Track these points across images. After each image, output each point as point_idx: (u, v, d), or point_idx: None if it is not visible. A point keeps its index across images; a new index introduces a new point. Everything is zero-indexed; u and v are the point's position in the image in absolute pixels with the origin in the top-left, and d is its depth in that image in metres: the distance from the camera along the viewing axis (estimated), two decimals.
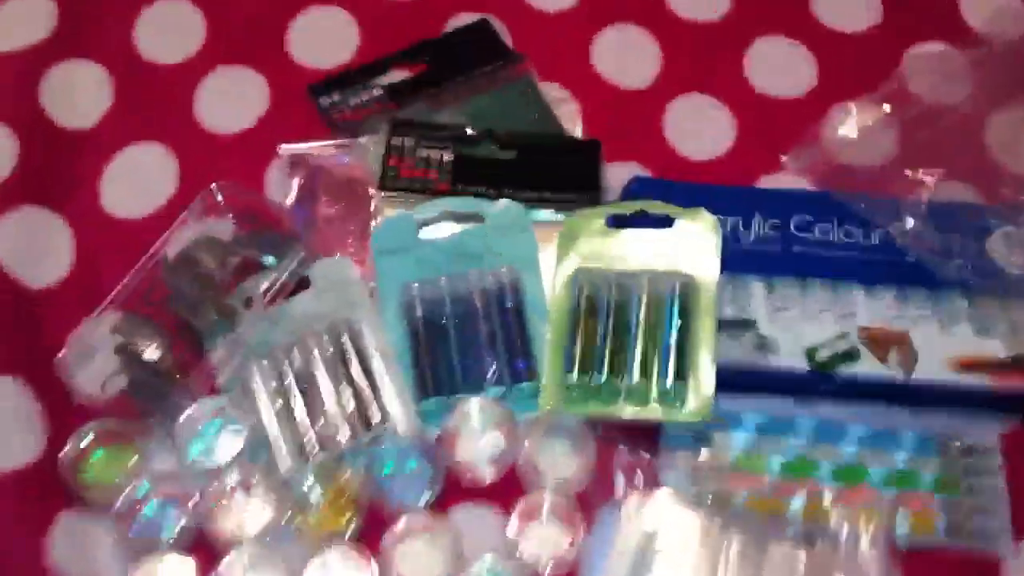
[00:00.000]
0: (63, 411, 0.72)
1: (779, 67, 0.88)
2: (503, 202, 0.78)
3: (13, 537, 0.67)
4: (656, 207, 0.76)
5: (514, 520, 0.68)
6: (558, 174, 0.81)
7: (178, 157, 0.83)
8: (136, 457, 0.70)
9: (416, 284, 0.76)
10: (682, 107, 0.86)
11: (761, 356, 0.73)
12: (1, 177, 0.79)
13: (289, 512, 0.68)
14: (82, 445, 0.69)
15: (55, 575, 0.66)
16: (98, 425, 0.70)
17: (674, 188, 0.79)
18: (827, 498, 0.69)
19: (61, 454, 0.69)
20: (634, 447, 0.70)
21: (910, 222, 0.76)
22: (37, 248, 0.78)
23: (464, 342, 0.74)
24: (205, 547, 0.67)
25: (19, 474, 0.69)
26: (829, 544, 0.67)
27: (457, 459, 0.70)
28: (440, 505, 0.69)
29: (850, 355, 0.73)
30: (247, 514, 0.68)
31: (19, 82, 0.85)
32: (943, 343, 0.73)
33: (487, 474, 0.70)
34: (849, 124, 0.82)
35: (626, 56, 0.88)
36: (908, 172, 0.78)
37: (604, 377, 0.71)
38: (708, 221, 0.75)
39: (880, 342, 0.73)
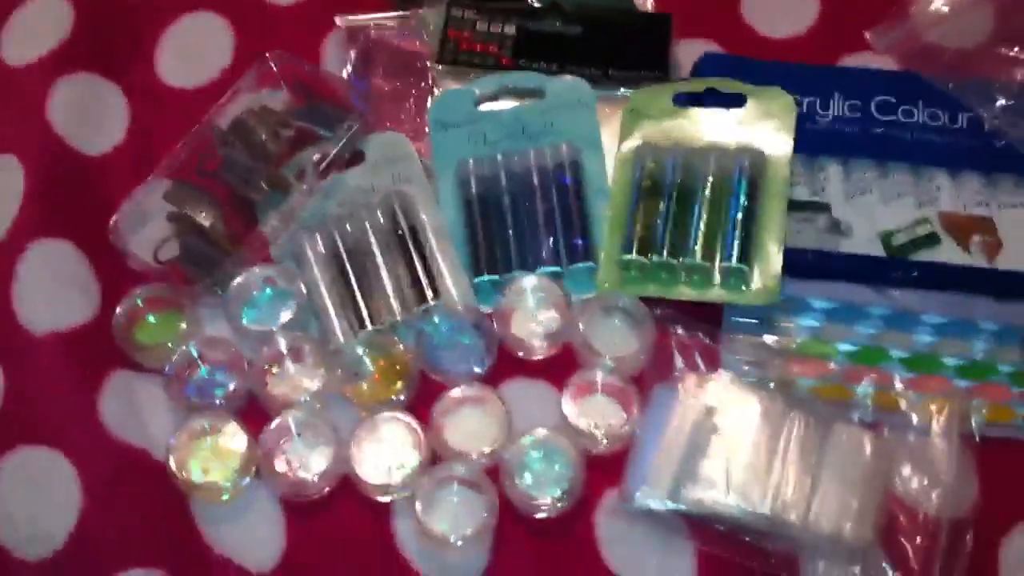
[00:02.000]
0: (116, 275, 0.76)
1: None
2: (566, 78, 0.79)
3: (67, 394, 0.71)
4: (728, 85, 0.76)
5: (567, 396, 0.69)
6: (625, 50, 0.81)
7: (234, 27, 0.85)
8: (186, 323, 0.73)
9: (472, 160, 0.77)
10: None
11: (833, 240, 0.73)
12: (57, 41, 0.82)
13: (340, 380, 0.71)
14: (133, 307, 0.73)
15: (107, 432, 0.70)
16: (149, 290, 0.74)
17: (748, 66, 0.79)
18: (898, 386, 0.69)
19: (114, 316, 0.73)
20: (694, 329, 0.72)
21: (1001, 103, 0.76)
22: (92, 115, 0.81)
23: (520, 220, 0.76)
24: (255, 412, 0.71)
25: (72, 333, 0.72)
26: (898, 430, 0.67)
27: (510, 335, 0.72)
28: (492, 380, 0.71)
29: (929, 240, 0.73)
30: (297, 381, 0.71)
31: None
32: None
33: (541, 350, 0.72)
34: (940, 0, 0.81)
35: None
36: (1002, 50, 0.77)
37: (664, 257, 0.72)
38: (783, 100, 0.75)
39: (962, 228, 0.73)
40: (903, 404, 0.69)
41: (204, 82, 0.83)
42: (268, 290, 0.74)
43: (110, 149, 0.81)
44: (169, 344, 0.72)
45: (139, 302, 0.73)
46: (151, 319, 0.74)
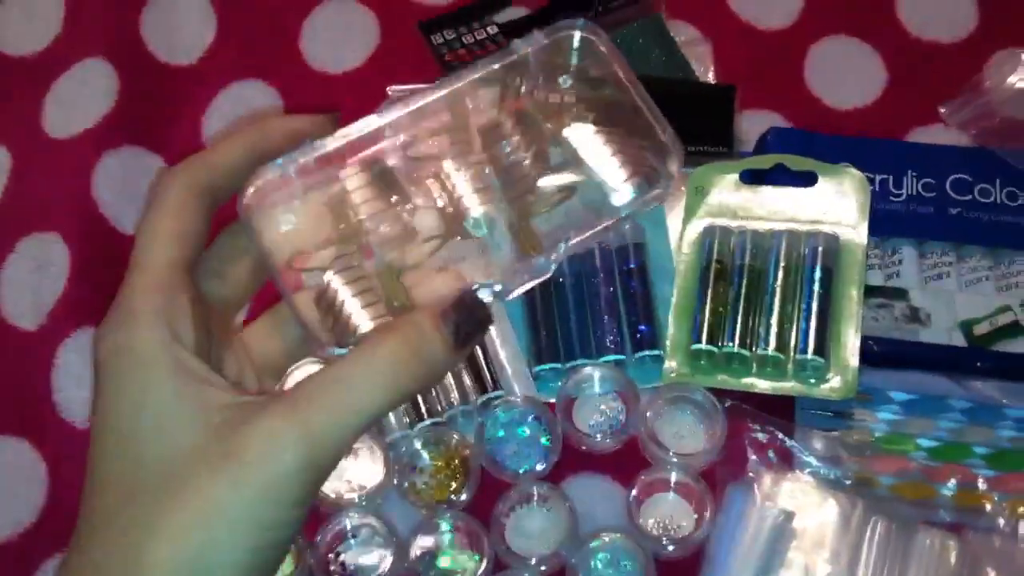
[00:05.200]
0: None
1: (936, 5, 0.83)
2: None
3: None
4: (796, 162, 0.73)
5: (634, 494, 0.66)
6: (687, 123, 0.76)
7: (283, 95, 0.83)
8: None
9: None
10: (826, 50, 0.82)
11: (912, 329, 0.70)
12: (101, 115, 0.80)
13: (396, 477, 0.67)
14: None
15: None
16: None
17: (816, 141, 0.76)
18: (982, 485, 0.66)
19: None
20: (766, 422, 0.68)
21: None
22: (137, 192, 0.79)
23: (582, 304, 0.73)
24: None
25: None
26: (983, 534, 0.64)
27: (573, 427, 0.69)
28: (555, 475, 0.68)
29: (1013, 329, 0.69)
30: (352, 477, 0.68)
31: (119, 14, 0.85)
32: None
33: (606, 445, 0.69)
34: (1017, 72, 0.77)
35: None
36: None
37: (735, 347, 0.69)
38: (854, 178, 0.72)
39: None
40: (988, 505, 0.65)
41: None
42: None
43: None
44: None
45: None
46: None
